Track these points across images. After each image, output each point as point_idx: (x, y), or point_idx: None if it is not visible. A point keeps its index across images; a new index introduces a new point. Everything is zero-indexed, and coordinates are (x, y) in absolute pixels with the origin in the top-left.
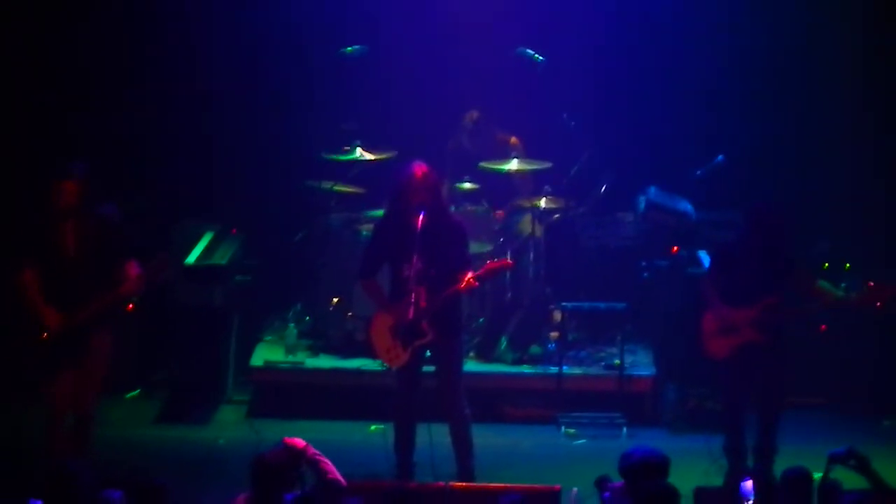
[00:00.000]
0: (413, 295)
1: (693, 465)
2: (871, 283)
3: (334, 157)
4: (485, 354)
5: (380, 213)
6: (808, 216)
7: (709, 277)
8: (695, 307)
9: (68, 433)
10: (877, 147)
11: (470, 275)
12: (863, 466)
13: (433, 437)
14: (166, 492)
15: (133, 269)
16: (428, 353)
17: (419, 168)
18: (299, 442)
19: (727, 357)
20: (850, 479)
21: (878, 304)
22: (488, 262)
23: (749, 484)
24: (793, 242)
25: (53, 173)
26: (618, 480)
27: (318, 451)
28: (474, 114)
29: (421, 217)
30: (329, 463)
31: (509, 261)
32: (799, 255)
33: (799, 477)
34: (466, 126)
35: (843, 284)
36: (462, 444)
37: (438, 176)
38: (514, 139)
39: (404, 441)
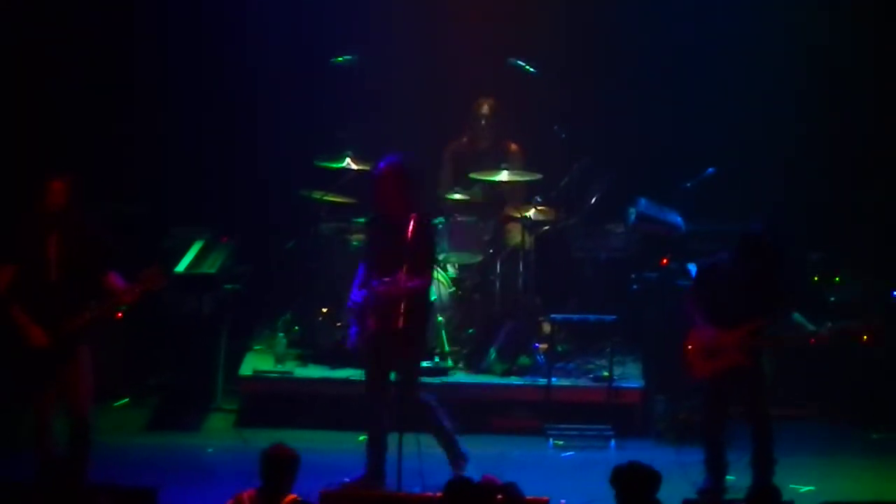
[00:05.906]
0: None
1: (682, 477)
2: (830, 325)
3: (325, 164)
4: (474, 365)
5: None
6: (799, 227)
7: (693, 295)
8: (679, 324)
9: (66, 439)
10: (871, 156)
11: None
12: None
13: (422, 448)
14: (156, 496)
15: (117, 281)
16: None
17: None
18: None
19: (709, 377)
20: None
21: (865, 338)
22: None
23: None
24: (783, 271)
25: (42, 175)
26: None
27: None
28: (491, 102)
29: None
30: None
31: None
32: (787, 286)
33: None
34: (482, 116)
35: (831, 298)
36: (437, 428)
37: (400, 168)
38: (514, 146)
39: (374, 446)
